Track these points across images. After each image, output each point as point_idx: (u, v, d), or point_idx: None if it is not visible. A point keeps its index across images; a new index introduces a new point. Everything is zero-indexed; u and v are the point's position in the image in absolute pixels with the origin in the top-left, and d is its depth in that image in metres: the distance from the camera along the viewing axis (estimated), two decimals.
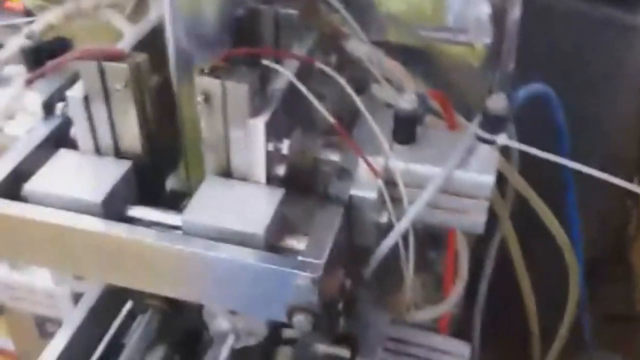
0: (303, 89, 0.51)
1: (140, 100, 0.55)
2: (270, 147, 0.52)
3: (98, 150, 0.57)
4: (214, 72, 0.50)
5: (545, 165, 0.50)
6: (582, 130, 0.72)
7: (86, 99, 0.55)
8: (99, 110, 0.55)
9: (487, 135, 0.50)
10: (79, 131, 0.57)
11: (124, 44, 0.58)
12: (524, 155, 0.53)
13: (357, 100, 0.52)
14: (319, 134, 0.59)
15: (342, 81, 0.53)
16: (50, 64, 0.59)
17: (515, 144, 0.50)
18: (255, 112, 0.51)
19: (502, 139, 0.50)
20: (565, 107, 0.67)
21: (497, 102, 0.48)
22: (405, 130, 0.53)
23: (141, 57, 0.53)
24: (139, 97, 0.54)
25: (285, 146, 0.53)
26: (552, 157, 0.47)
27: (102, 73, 0.53)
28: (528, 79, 0.63)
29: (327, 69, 0.54)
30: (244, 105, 0.50)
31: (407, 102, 0.51)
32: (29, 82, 0.59)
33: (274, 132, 0.52)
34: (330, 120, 0.51)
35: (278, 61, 0.54)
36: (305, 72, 0.56)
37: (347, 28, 0.60)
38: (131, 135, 0.56)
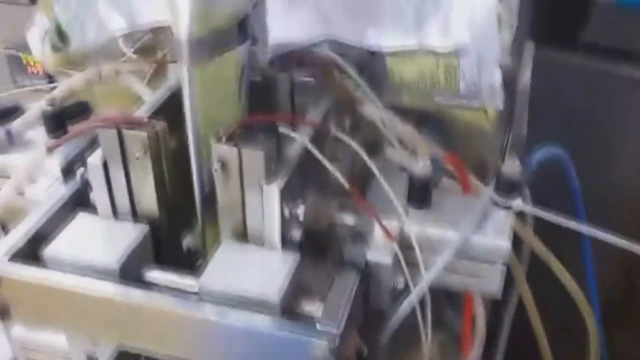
0: (318, 155, 0.52)
1: (158, 166, 0.56)
2: (286, 212, 0.52)
3: (116, 214, 0.58)
4: (230, 139, 0.51)
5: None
6: (596, 186, 0.72)
7: (105, 165, 0.56)
8: (117, 176, 0.56)
9: (502, 201, 0.50)
10: (98, 196, 0.58)
11: (144, 110, 0.60)
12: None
13: (373, 166, 0.53)
14: (334, 196, 0.59)
15: (357, 147, 0.54)
16: (70, 132, 0.61)
17: (531, 209, 0.50)
18: (270, 178, 0.51)
19: (517, 203, 0.50)
20: (578, 164, 0.67)
21: (512, 167, 0.49)
22: (420, 195, 0.53)
23: (160, 125, 0.54)
24: (157, 163, 0.55)
25: (300, 211, 0.53)
26: (568, 222, 0.47)
27: (121, 140, 0.54)
28: (539, 136, 0.63)
29: (342, 135, 0.54)
30: (260, 171, 0.51)
31: (421, 167, 0.52)
32: (50, 150, 0.60)
33: (289, 197, 0.52)
34: (346, 185, 0.52)
35: (294, 125, 0.55)
36: (320, 136, 0.57)
37: (360, 93, 0.61)
38: (148, 199, 0.57)
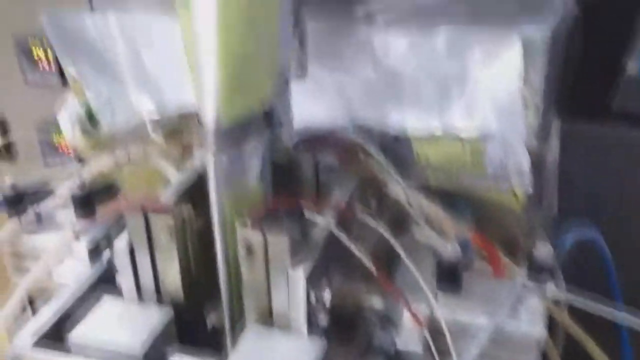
0: (344, 239, 0.52)
1: (183, 250, 0.56)
2: (312, 297, 0.51)
3: (140, 296, 0.58)
4: (255, 223, 0.51)
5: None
6: (630, 263, 0.69)
7: (131, 250, 0.56)
8: (143, 260, 0.56)
9: (535, 286, 0.49)
10: (123, 279, 0.58)
11: (170, 192, 0.60)
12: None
13: (400, 250, 0.52)
14: (361, 278, 0.58)
15: (383, 230, 0.53)
16: (98, 217, 0.61)
17: (565, 295, 0.49)
18: (296, 263, 0.51)
19: (551, 288, 0.48)
20: (611, 240, 0.65)
21: (544, 252, 0.48)
22: (450, 279, 0.52)
23: (186, 210, 0.54)
24: (182, 247, 0.55)
25: (327, 296, 0.52)
26: (604, 309, 0.45)
27: (147, 225, 0.55)
28: (570, 211, 0.62)
29: (367, 218, 0.54)
30: (285, 256, 0.51)
31: (450, 252, 0.51)
32: (78, 235, 0.61)
33: (315, 282, 0.51)
34: (373, 270, 0.51)
35: (318, 208, 0.55)
36: (345, 218, 0.56)
37: (385, 173, 0.61)
38: (173, 282, 0.57)
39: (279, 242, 0.50)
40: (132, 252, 0.57)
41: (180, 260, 0.56)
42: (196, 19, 0.48)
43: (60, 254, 0.64)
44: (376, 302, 0.55)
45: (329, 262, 0.54)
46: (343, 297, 0.54)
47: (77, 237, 0.61)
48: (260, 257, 0.51)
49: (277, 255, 0.51)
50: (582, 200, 0.66)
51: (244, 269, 0.53)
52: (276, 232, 0.50)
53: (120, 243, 0.56)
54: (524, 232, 0.58)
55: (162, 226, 0.54)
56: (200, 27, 0.48)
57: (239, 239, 0.51)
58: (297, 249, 0.51)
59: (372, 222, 0.54)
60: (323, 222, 0.53)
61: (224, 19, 0.47)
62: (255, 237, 0.51)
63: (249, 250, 0.51)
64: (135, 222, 0.55)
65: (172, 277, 0.57)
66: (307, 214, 0.53)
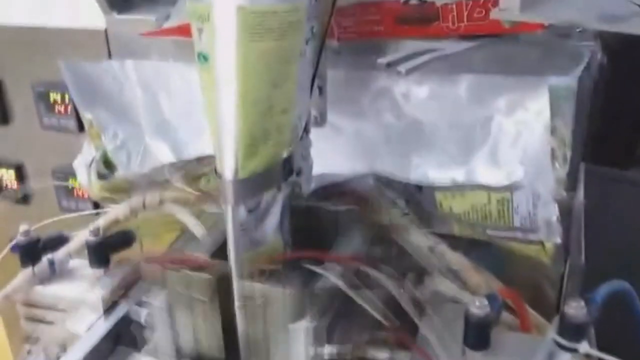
0: (352, 294, 0.50)
1: (224, 307, 0.53)
2: (312, 352, 0.50)
3: (179, 355, 0.56)
4: (258, 276, 0.50)
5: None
6: None
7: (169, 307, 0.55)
8: (183, 318, 0.55)
9: (567, 344, 0.46)
10: (161, 338, 0.56)
11: (204, 247, 0.58)
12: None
13: (409, 308, 0.50)
14: (366, 328, 0.56)
15: (389, 284, 0.51)
16: (132, 277, 0.59)
17: (598, 354, 0.46)
18: (297, 317, 0.49)
19: (584, 347, 0.46)
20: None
21: (576, 309, 0.45)
22: (478, 336, 0.49)
23: (224, 265, 0.53)
24: (223, 304, 0.53)
25: (328, 352, 0.50)
26: None
27: (188, 283, 0.53)
28: (598, 265, 0.59)
29: (375, 272, 0.52)
30: (286, 310, 0.49)
31: (478, 307, 0.49)
32: (109, 305, 0.60)
33: (316, 337, 0.50)
34: (387, 326, 0.49)
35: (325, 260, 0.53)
36: (357, 270, 0.54)
37: (407, 221, 0.59)
38: (214, 340, 0.55)
39: (280, 296, 0.49)
40: (170, 311, 0.55)
41: (222, 319, 0.54)
42: (216, 70, 0.48)
43: (75, 304, 0.63)
44: (381, 353, 0.53)
45: (333, 315, 0.52)
46: (346, 351, 0.52)
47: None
48: (260, 310, 0.50)
49: (277, 308, 0.49)
50: (609, 251, 0.63)
51: (240, 324, 0.51)
52: (277, 285, 0.49)
53: (158, 300, 0.55)
54: (553, 285, 0.56)
55: (203, 283, 0.52)
56: (220, 79, 0.48)
57: (235, 292, 0.50)
58: (299, 302, 0.49)
59: (380, 277, 0.52)
60: (330, 274, 0.51)
61: (244, 71, 0.47)
62: (254, 289, 0.49)
63: (247, 302, 0.50)
64: (176, 279, 0.53)
65: (213, 335, 0.55)
66: (315, 266, 0.52)
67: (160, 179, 0.74)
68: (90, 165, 0.76)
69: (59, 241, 0.70)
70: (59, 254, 0.69)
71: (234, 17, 0.45)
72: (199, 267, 0.53)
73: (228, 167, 0.49)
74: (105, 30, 0.79)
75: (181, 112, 0.74)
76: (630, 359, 0.48)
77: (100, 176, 0.76)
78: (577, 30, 0.58)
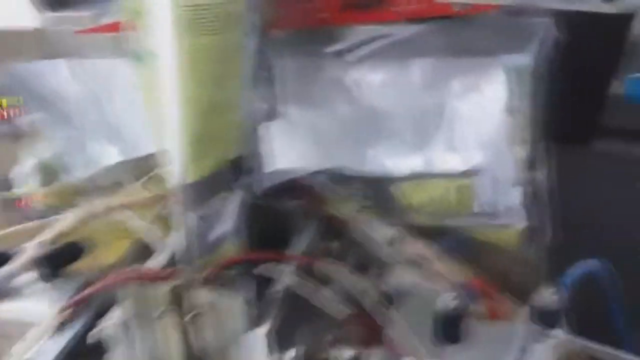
0: (308, 294, 0.48)
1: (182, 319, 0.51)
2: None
3: None
4: (207, 283, 0.48)
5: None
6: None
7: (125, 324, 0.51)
8: (142, 333, 0.51)
9: (540, 332, 0.45)
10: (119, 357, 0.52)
11: (158, 258, 0.55)
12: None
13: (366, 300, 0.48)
14: (329, 327, 0.54)
15: (344, 277, 0.49)
16: (84, 295, 0.56)
17: (571, 339, 0.45)
18: (252, 324, 0.47)
19: (556, 334, 0.45)
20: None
21: (547, 298, 0.44)
22: (448, 331, 0.48)
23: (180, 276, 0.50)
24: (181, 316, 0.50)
25: (289, 357, 0.48)
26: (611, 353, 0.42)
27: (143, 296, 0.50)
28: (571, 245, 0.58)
29: (331, 267, 0.50)
30: (239, 317, 0.47)
31: (446, 299, 0.47)
32: (61, 325, 0.56)
33: (275, 342, 0.48)
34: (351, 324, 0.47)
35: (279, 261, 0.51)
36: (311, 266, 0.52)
37: (365, 214, 0.57)
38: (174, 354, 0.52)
39: (231, 303, 0.47)
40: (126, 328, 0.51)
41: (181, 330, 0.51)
42: (153, 69, 0.45)
43: (22, 327, 0.59)
44: (346, 353, 0.51)
45: (293, 317, 0.50)
46: (308, 354, 0.50)
47: (60, 328, 0.56)
48: (211, 321, 0.48)
49: (230, 317, 0.47)
50: (582, 228, 0.62)
51: (191, 334, 0.49)
52: (227, 291, 0.47)
53: (113, 317, 0.51)
54: (523, 270, 0.55)
55: (159, 295, 0.49)
56: (158, 78, 0.44)
57: (185, 301, 0.48)
58: (253, 308, 0.47)
59: (335, 270, 0.50)
60: (285, 276, 0.49)
61: (182, 68, 0.44)
62: (204, 297, 0.47)
63: (199, 311, 0.47)
64: (131, 293, 0.50)
65: (173, 349, 0.51)
66: (266, 267, 0.49)
67: (108, 183, 0.70)
68: (29, 173, 0.71)
69: (3, 256, 0.66)
70: (1, 273, 0.65)
71: (168, 11, 0.42)
72: (153, 278, 0.50)
73: (174, 171, 0.46)
74: (38, 29, 0.75)
75: (127, 112, 0.71)
76: (604, 340, 0.48)
77: (43, 182, 0.72)
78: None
